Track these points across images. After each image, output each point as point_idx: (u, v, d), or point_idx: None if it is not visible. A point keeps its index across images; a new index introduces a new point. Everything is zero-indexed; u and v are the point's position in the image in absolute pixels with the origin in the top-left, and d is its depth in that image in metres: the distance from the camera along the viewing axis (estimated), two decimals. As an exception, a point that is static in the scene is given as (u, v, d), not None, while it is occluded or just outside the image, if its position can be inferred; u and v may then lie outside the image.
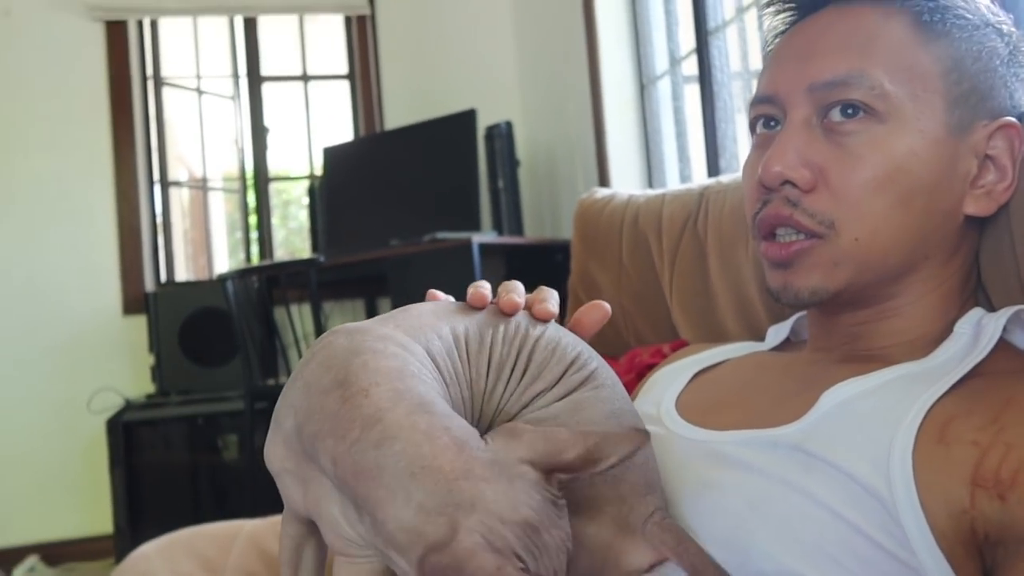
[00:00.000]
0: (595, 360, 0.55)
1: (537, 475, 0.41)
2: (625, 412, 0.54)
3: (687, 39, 2.13)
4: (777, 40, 0.72)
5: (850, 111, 0.62)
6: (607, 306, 0.63)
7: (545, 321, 0.59)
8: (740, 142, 1.94)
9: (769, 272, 0.67)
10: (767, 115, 0.68)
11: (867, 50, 0.62)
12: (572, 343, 0.55)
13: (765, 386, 0.69)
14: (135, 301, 2.91)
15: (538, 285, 0.66)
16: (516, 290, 0.59)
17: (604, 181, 2.29)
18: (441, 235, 2.17)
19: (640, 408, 0.76)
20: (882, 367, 0.61)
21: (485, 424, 0.52)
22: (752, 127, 0.71)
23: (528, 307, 0.59)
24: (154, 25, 3.12)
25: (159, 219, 3.10)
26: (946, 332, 0.63)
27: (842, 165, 0.62)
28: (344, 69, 3.21)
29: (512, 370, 0.53)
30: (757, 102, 0.69)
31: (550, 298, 0.60)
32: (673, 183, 2.21)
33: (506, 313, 0.58)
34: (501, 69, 3.02)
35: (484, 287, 0.59)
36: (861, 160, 0.62)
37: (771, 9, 0.72)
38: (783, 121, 0.66)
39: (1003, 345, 0.61)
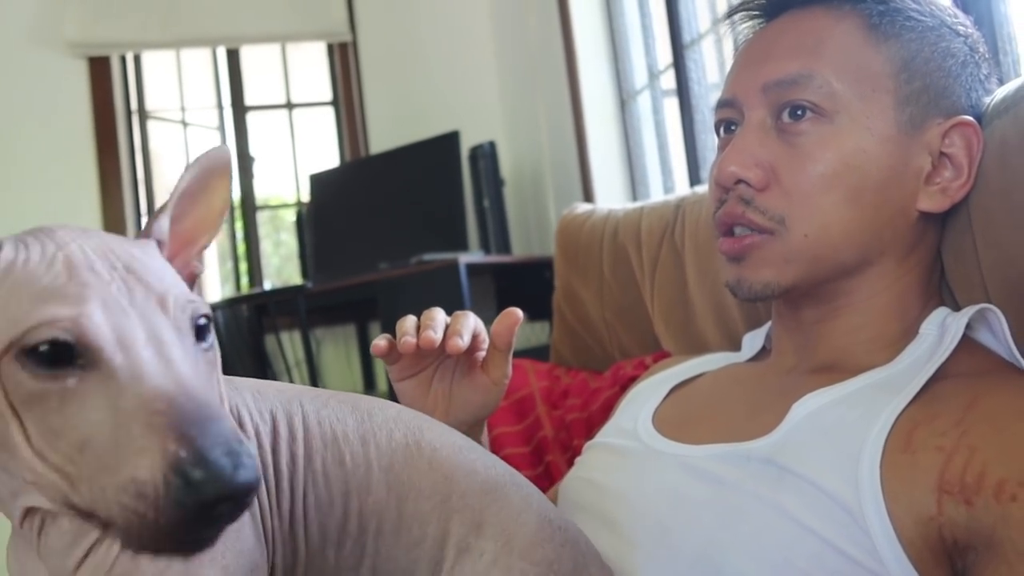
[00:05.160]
0: (463, 518, 0.49)
1: None
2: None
3: (664, 53, 2.15)
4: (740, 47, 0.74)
5: (799, 112, 0.64)
6: (518, 312, 0.67)
7: (455, 355, 0.64)
8: (720, 153, 1.96)
9: (725, 267, 0.69)
10: (728, 119, 0.70)
11: (817, 51, 0.64)
12: (428, 503, 0.48)
13: (739, 399, 0.70)
14: (126, 334, 2.91)
15: (528, 302, 0.69)
16: (433, 324, 0.64)
17: (588, 197, 2.30)
18: (428, 257, 2.18)
19: (618, 423, 0.77)
20: (850, 376, 0.62)
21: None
22: (716, 131, 0.73)
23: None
24: (137, 59, 3.14)
25: (148, 252, 3.10)
26: (909, 331, 0.64)
27: (792, 163, 0.64)
28: (328, 96, 3.23)
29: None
30: (719, 106, 0.72)
31: (463, 330, 0.65)
32: (657, 196, 2.22)
33: (423, 349, 0.63)
34: (483, 90, 3.04)
35: (408, 337, 0.64)
36: (810, 158, 0.63)
37: (737, 17, 0.74)
38: (741, 123, 0.68)
39: (967, 344, 0.61)
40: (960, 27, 0.67)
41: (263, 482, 0.44)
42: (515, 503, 0.51)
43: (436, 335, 0.64)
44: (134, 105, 3.11)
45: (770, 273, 0.65)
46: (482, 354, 0.69)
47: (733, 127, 0.70)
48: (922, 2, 0.66)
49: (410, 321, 0.67)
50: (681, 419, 0.70)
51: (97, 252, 0.36)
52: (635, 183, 2.34)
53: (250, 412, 0.46)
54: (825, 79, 0.63)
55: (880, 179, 0.63)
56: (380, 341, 0.67)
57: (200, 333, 0.38)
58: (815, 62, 0.64)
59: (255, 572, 0.42)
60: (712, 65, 1.98)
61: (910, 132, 0.64)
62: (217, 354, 0.41)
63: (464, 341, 0.64)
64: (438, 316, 0.67)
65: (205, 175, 0.44)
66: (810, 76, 0.63)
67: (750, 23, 0.74)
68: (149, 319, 0.35)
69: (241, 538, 0.42)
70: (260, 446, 0.45)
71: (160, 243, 0.42)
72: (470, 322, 0.67)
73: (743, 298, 0.68)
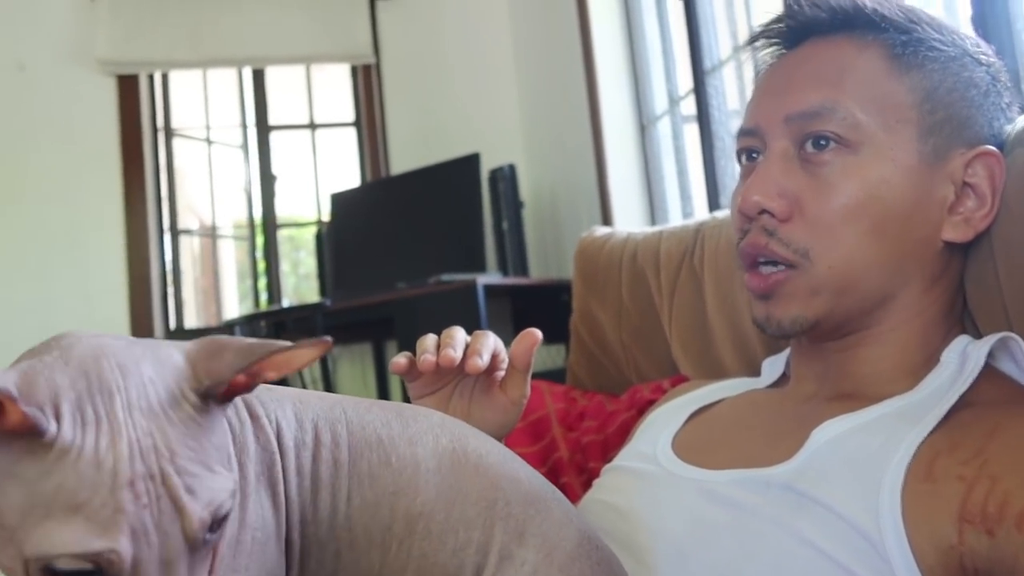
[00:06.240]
0: (506, 526, 0.48)
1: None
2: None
3: (685, 79, 2.16)
4: (761, 74, 0.74)
5: (822, 142, 0.64)
6: (537, 332, 0.68)
7: (475, 374, 0.65)
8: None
9: (753, 303, 0.69)
10: (750, 147, 0.70)
11: (840, 81, 0.64)
12: (474, 509, 0.48)
13: (758, 425, 0.70)
14: (145, 348, 2.93)
15: (544, 325, 0.70)
16: (453, 342, 0.65)
17: (607, 221, 2.30)
18: (446, 277, 2.19)
19: (637, 447, 0.76)
20: (870, 404, 0.62)
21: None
22: (738, 158, 0.73)
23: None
24: (165, 78, 3.20)
25: (169, 267, 3.13)
26: (931, 360, 0.64)
27: (816, 194, 0.63)
28: (350, 117, 3.27)
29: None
30: (741, 134, 0.71)
31: (483, 349, 0.65)
32: (676, 221, 2.22)
33: (443, 367, 0.64)
34: (504, 113, 3.06)
35: (429, 356, 0.65)
36: (834, 189, 0.63)
37: (758, 44, 0.74)
38: (763, 152, 0.68)
39: (988, 373, 0.61)
40: (982, 56, 0.67)
41: (300, 494, 0.45)
42: (557, 516, 0.51)
43: (456, 354, 0.64)
44: (160, 122, 3.16)
45: (797, 308, 0.65)
46: (501, 374, 0.70)
47: (755, 155, 0.70)
48: (944, 31, 0.67)
49: (430, 339, 0.67)
50: (701, 444, 0.70)
51: (145, 448, 0.36)
52: (654, 208, 2.34)
53: (289, 423, 0.46)
54: (849, 110, 0.63)
55: (904, 210, 0.63)
56: (400, 359, 0.68)
57: (217, 523, 0.38)
58: (838, 93, 0.64)
59: None
60: (732, 91, 1.99)
61: (933, 163, 0.64)
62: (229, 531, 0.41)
63: (484, 360, 0.65)
64: (458, 335, 0.67)
65: (293, 361, 0.41)
66: (833, 107, 0.63)
67: (771, 50, 0.74)
68: (168, 545, 0.36)
69: (266, 552, 0.42)
70: (299, 457, 0.45)
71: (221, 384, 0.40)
72: (490, 341, 0.67)
73: (772, 335, 0.67)
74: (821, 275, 0.63)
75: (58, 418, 0.35)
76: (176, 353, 0.39)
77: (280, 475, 0.44)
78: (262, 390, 0.47)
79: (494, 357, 0.67)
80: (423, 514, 0.46)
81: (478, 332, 0.68)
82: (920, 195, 0.63)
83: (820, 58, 0.67)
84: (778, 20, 0.72)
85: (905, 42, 0.65)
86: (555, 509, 0.51)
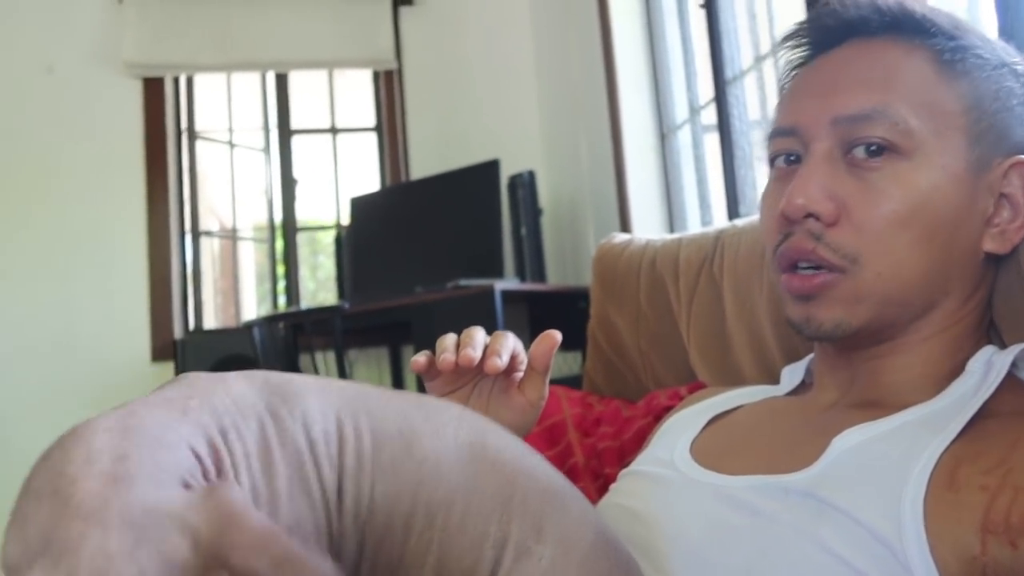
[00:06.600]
0: (523, 521, 0.47)
1: (189, 555, 0.33)
2: None
3: (706, 89, 2.16)
4: (795, 74, 0.72)
5: (873, 148, 0.62)
6: (557, 334, 0.68)
7: (494, 375, 0.65)
8: (759, 188, 1.95)
9: (791, 305, 0.67)
10: (788, 150, 0.68)
11: (890, 85, 0.62)
12: (491, 502, 0.47)
13: (778, 432, 0.69)
14: (164, 348, 2.96)
15: (561, 331, 0.69)
16: (473, 342, 0.65)
17: (625, 229, 2.30)
18: (464, 282, 2.20)
19: (654, 453, 0.76)
20: (893, 412, 0.61)
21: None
22: (771, 161, 0.71)
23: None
24: (190, 81, 3.23)
25: (189, 268, 3.16)
26: (957, 370, 0.63)
27: (865, 199, 0.62)
28: (372, 121, 3.29)
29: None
30: (777, 135, 0.69)
31: (502, 350, 0.65)
32: (695, 231, 2.22)
33: (462, 366, 0.64)
34: (524, 120, 3.07)
35: (448, 355, 0.66)
36: (884, 195, 0.61)
37: (788, 44, 0.72)
38: (804, 154, 0.66)
39: (1012, 383, 0.60)
40: (1018, 67, 0.66)
41: (327, 485, 0.44)
42: (575, 514, 0.50)
43: (475, 353, 0.65)
44: (184, 124, 3.19)
45: (842, 312, 0.63)
46: (519, 375, 0.70)
47: (792, 158, 0.68)
48: (985, 40, 0.66)
49: (450, 339, 0.68)
50: (719, 450, 0.70)
51: None
52: (673, 217, 2.34)
53: (314, 416, 0.45)
54: (901, 115, 0.61)
55: (952, 219, 0.62)
56: (420, 357, 0.68)
57: None
58: (888, 96, 0.62)
59: None
60: (754, 101, 1.99)
61: (977, 172, 0.63)
62: None
63: (503, 361, 0.65)
64: (478, 335, 0.67)
65: None
66: (884, 112, 0.61)
67: (801, 51, 0.72)
68: None
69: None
70: (328, 447, 0.45)
71: None
72: (509, 342, 0.67)
73: (809, 337, 0.66)
74: (869, 282, 0.62)
75: None
76: (181, 543, 0.34)
77: (311, 472, 0.44)
78: (282, 382, 0.47)
79: (513, 358, 0.68)
80: (443, 505, 0.46)
81: (498, 332, 0.68)
82: (966, 204, 0.62)
83: (867, 60, 0.65)
84: (819, 18, 0.69)
85: (953, 48, 0.64)
86: (573, 506, 0.51)
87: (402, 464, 0.46)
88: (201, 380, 0.45)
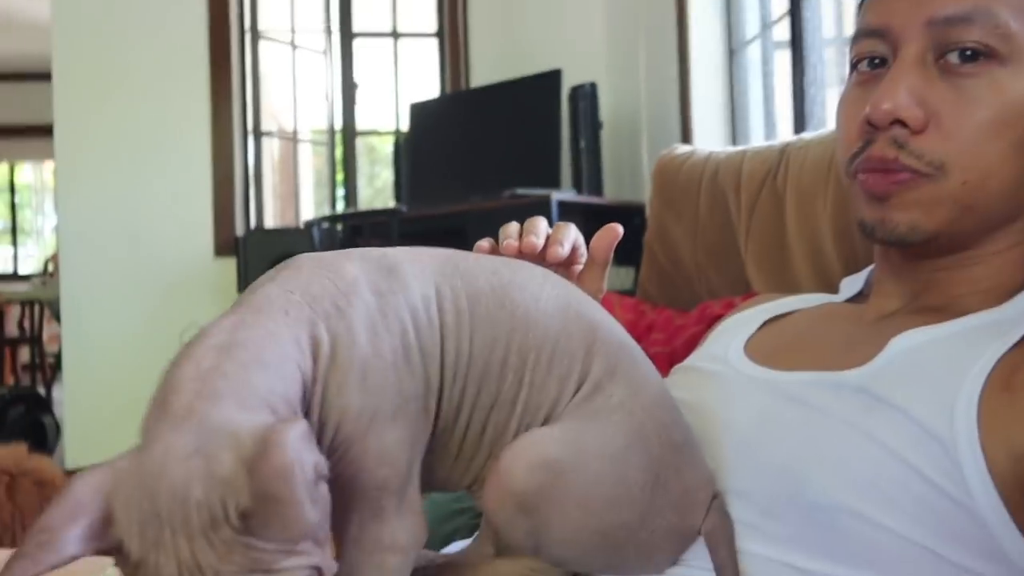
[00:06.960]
0: (602, 362, 0.54)
1: (230, 474, 0.37)
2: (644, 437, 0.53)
3: (779, 3, 2.08)
4: None
5: (968, 53, 0.59)
6: (619, 227, 0.68)
7: (555, 263, 0.66)
8: (829, 109, 1.91)
9: (865, 205, 0.65)
10: (873, 53, 0.65)
11: None
12: (576, 343, 0.53)
13: (834, 333, 0.69)
14: (226, 244, 3.05)
15: (616, 246, 0.70)
16: (536, 230, 0.65)
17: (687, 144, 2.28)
18: (521, 191, 2.20)
19: (708, 350, 0.77)
20: (954, 318, 0.61)
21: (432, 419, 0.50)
22: (853, 64, 0.68)
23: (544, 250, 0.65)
24: (254, -21, 3.22)
25: (251, 168, 3.22)
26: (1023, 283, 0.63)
27: (957, 107, 0.59)
28: (433, 27, 3.26)
29: (498, 379, 0.51)
30: (864, 35, 0.65)
31: (564, 239, 0.66)
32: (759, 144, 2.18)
33: (524, 253, 0.65)
34: (588, 31, 3.01)
35: (512, 239, 0.67)
36: (978, 102, 0.59)
37: None
38: (892, 58, 0.63)
39: None
40: None
41: (432, 344, 0.49)
42: (643, 368, 0.56)
43: (538, 240, 0.66)
44: (247, 24, 3.20)
45: (919, 215, 0.61)
46: (579, 267, 0.71)
47: (877, 61, 0.65)
48: None
49: (513, 226, 0.69)
50: (773, 349, 0.70)
51: (191, 568, 0.38)
52: (736, 136, 2.30)
53: (412, 284, 0.50)
54: (1002, 17, 0.58)
55: None
56: (483, 243, 0.70)
57: None
58: None
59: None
60: (829, 18, 1.92)
61: None
62: None
63: (564, 250, 0.66)
64: (541, 224, 0.68)
65: None
66: (987, 13, 0.58)
67: None
68: None
69: (419, 422, 0.48)
70: (428, 311, 0.50)
71: None
72: (571, 233, 0.68)
73: (881, 240, 0.64)
74: (952, 188, 0.60)
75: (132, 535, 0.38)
76: (228, 459, 0.38)
77: (412, 339, 0.48)
78: (380, 256, 0.51)
79: (574, 250, 0.69)
80: (534, 348, 0.52)
81: (560, 223, 0.69)
82: None
83: None
84: None
85: None
86: (642, 362, 0.56)
87: (496, 315, 0.51)
88: (304, 268, 0.49)
